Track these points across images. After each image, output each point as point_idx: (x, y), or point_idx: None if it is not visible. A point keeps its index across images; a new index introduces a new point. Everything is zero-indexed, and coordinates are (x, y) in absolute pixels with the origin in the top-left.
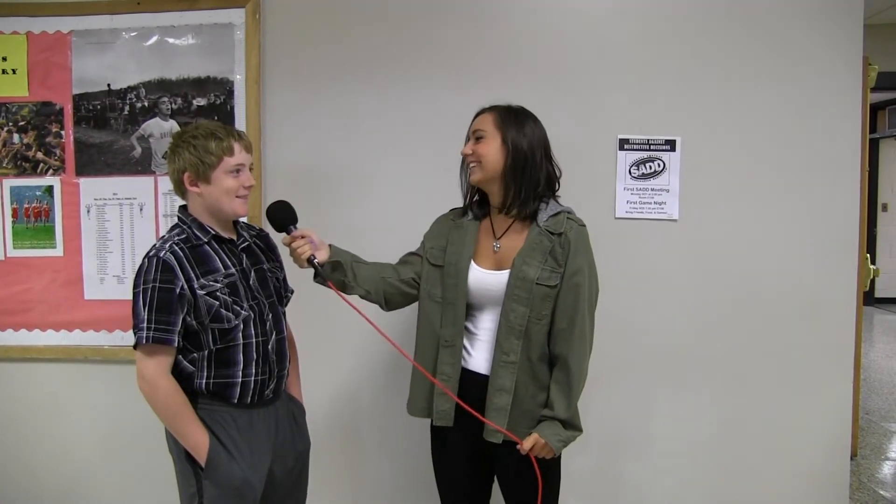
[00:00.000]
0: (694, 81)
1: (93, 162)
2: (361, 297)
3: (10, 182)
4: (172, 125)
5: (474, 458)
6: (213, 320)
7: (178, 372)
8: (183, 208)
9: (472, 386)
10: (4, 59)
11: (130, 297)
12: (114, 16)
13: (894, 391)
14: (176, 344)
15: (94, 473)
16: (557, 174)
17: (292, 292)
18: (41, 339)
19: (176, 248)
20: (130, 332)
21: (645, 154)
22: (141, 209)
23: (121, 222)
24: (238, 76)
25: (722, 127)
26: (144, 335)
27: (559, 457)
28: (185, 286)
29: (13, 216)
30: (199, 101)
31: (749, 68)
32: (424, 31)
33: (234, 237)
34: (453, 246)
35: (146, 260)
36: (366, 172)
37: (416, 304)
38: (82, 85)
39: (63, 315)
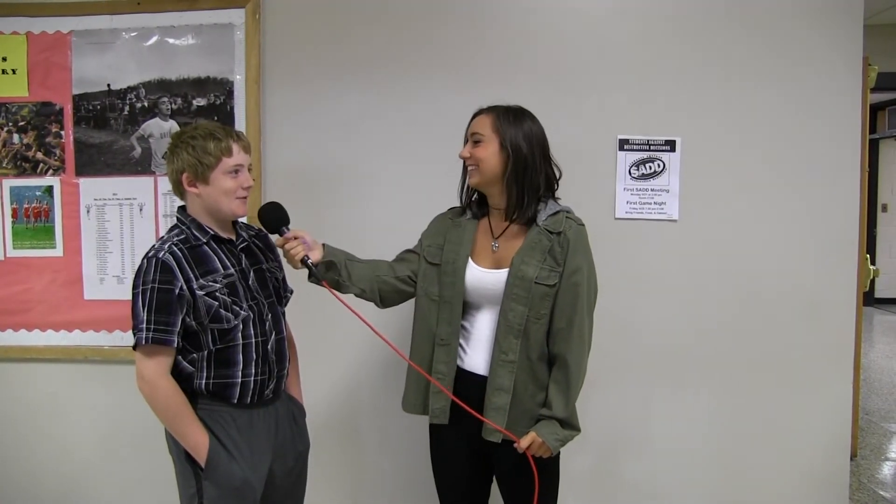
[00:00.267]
0: (694, 81)
1: (93, 162)
2: (356, 295)
3: (10, 182)
4: (172, 125)
5: (473, 457)
6: (213, 321)
7: (177, 372)
8: (182, 209)
9: (470, 386)
10: (4, 59)
11: (130, 297)
12: (114, 16)
13: (894, 391)
14: (175, 344)
15: (94, 474)
16: (556, 175)
17: (291, 292)
18: (41, 339)
19: (175, 248)
20: (130, 332)
21: (645, 154)
22: (141, 209)
23: (121, 222)
24: (238, 76)
25: (722, 127)
26: (144, 336)
27: (557, 456)
28: (185, 287)
29: (13, 216)
30: (199, 102)
31: (749, 68)
32: (424, 31)
33: (234, 237)
34: (451, 244)
35: (145, 261)
36: (365, 172)
37: (412, 303)
38: (82, 85)
39: (63, 315)
